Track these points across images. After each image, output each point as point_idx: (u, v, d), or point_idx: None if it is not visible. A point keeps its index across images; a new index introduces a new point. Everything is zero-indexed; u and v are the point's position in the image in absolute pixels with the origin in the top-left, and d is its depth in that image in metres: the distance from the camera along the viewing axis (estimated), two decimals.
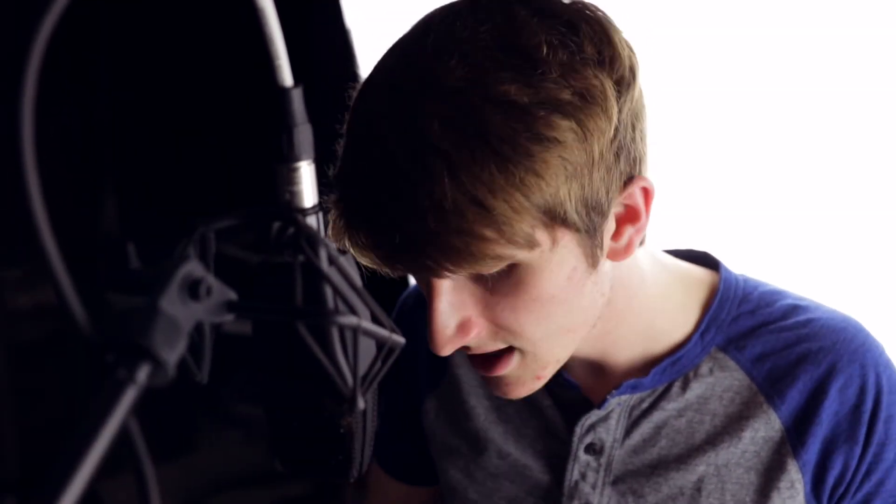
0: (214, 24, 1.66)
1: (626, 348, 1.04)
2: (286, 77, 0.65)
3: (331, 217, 0.90)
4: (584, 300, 0.92)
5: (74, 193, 1.77)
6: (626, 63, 0.88)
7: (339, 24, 1.69)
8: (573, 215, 0.85)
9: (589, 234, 0.88)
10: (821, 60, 1.41)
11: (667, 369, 1.03)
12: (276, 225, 0.66)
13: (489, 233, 0.82)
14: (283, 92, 0.66)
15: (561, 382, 1.05)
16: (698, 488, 1.02)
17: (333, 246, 0.65)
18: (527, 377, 0.96)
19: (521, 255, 0.85)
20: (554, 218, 0.84)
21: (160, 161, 1.76)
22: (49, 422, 1.80)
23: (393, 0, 1.53)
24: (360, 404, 0.64)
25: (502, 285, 0.88)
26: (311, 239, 0.64)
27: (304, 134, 0.67)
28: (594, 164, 0.85)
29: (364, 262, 0.88)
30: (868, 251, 1.46)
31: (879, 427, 1.00)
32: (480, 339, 0.92)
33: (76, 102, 1.70)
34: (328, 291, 0.64)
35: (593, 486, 1.05)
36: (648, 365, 1.04)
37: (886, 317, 1.38)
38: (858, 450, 1.00)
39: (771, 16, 1.43)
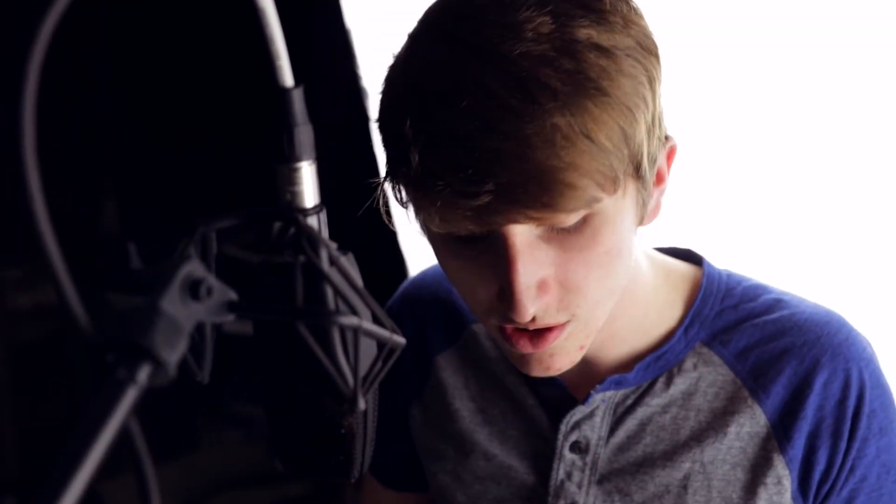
0: (215, 24, 1.66)
1: (618, 344, 1.04)
2: (287, 77, 0.65)
3: (388, 189, 0.91)
4: (630, 259, 0.95)
5: (74, 193, 1.77)
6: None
7: (339, 24, 1.69)
8: (645, 162, 0.88)
9: (645, 186, 0.91)
10: (812, 59, 1.41)
11: (650, 365, 1.04)
12: (277, 225, 0.66)
13: (593, 167, 0.84)
14: (284, 92, 0.66)
15: (546, 381, 1.05)
16: (684, 486, 1.03)
17: (334, 246, 0.65)
18: (572, 347, 0.96)
19: (605, 200, 0.86)
20: (632, 160, 0.87)
21: (160, 161, 1.76)
22: (49, 422, 1.80)
23: (393, 0, 1.53)
24: (361, 405, 0.64)
25: (577, 239, 0.89)
26: (312, 239, 0.64)
27: (304, 134, 0.66)
28: (657, 112, 0.89)
29: (438, 227, 0.88)
30: (861, 250, 1.46)
31: (863, 422, 1.00)
32: (549, 307, 0.91)
33: (76, 102, 1.70)
34: (329, 292, 0.64)
35: (579, 486, 1.05)
36: (633, 361, 1.04)
37: (882, 315, 1.39)
38: (843, 444, 1.00)
39: (759, 14, 1.43)
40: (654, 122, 0.89)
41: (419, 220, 0.91)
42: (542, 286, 0.90)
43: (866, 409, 1.00)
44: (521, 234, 0.87)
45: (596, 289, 0.92)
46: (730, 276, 1.08)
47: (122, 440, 0.53)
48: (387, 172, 0.92)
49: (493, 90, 0.83)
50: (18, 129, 0.50)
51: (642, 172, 0.89)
